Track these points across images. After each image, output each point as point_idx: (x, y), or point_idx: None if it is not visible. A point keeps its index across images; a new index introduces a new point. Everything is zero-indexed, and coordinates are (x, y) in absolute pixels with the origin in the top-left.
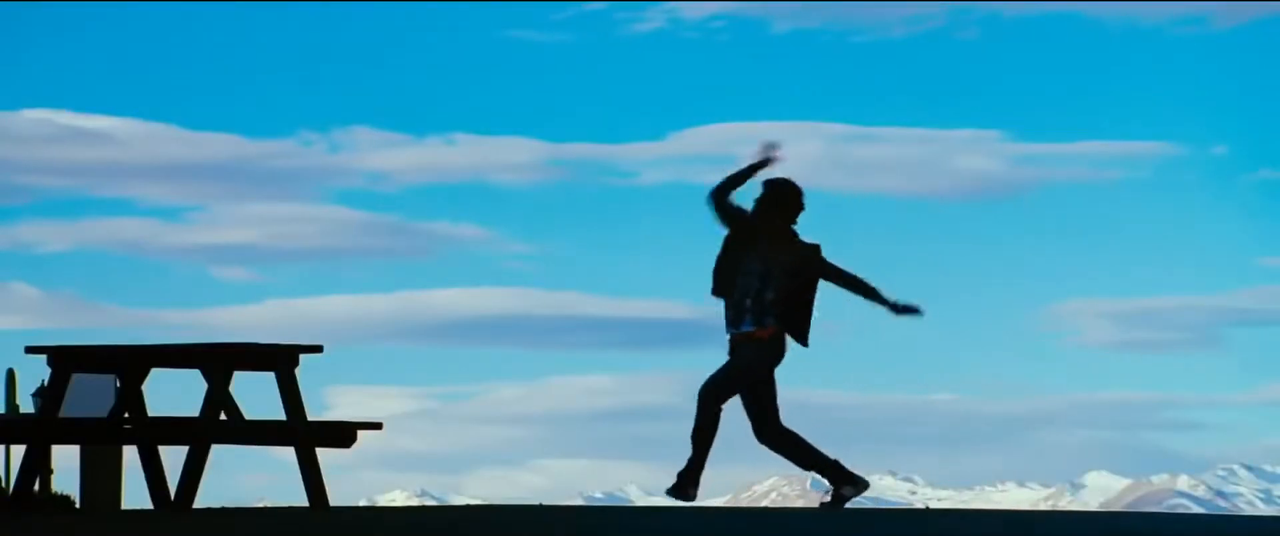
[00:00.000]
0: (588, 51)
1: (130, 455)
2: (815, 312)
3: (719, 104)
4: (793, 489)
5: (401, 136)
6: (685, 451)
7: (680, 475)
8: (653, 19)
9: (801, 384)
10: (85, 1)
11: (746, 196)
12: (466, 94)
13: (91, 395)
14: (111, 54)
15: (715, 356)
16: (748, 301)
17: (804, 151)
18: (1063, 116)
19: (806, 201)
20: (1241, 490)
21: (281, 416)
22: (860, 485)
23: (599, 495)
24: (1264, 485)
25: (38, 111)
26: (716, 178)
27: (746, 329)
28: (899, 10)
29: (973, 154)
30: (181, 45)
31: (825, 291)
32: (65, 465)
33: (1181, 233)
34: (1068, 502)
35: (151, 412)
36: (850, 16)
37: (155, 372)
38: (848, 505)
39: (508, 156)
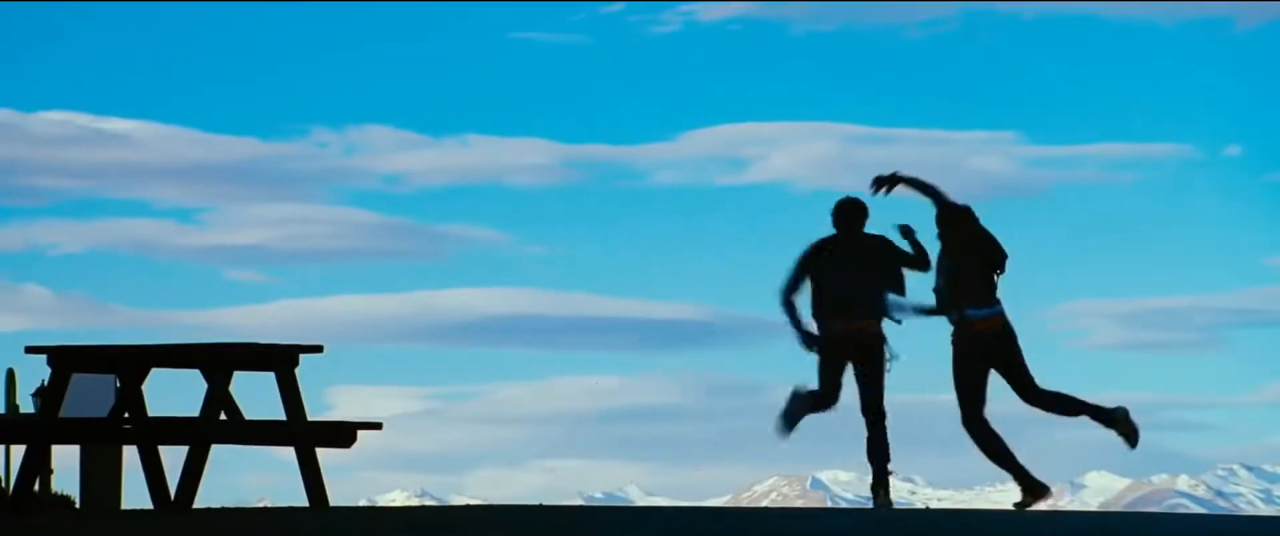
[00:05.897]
0: (603, 53)
1: (130, 455)
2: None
3: (732, 105)
4: (793, 489)
5: (416, 138)
6: (685, 451)
7: None
8: (669, 21)
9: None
10: (103, 2)
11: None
12: (482, 95)
13: (91, 395)
14: (131, 56)
15: (721, 356)
16: None
17: (818, 152)
18: (1078, 118)
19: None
20: (1241, 490)
21: (281, 416)
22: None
23: (599, 495)
24: (1264, 485)
25: (56, 113)
26: (726, 179)
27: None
28: (915, 12)
29: (987, 155)
30: (198, 48)
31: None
32: (65, 465)
33: (1191, 234)
34: (1068, 502)
35: (151, 412)
36: (866, 18)
37: (155, 372)
38: (846, 505)
39: (523, 157)
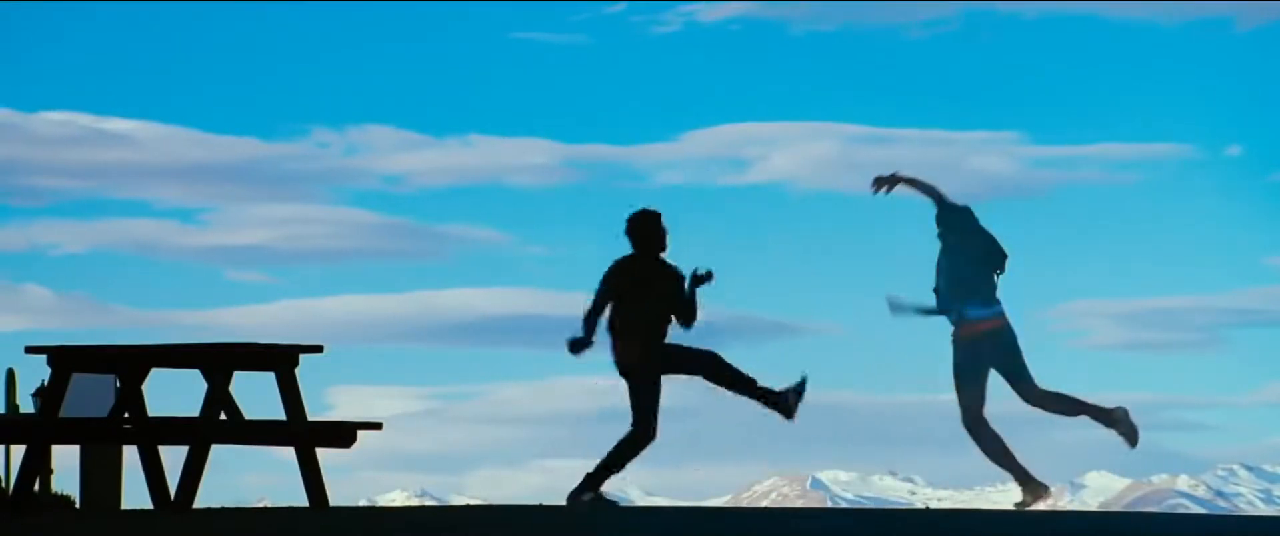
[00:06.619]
0: (605, 53)
1: (130, 455)
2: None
3: (733, 105)
4: (793, 489)
5: (417, 138)
6: (685, 451)
7: None
8: (670, 21)
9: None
10: (104, 2)
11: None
12: (483, 95)
13: (91, 395)
14: (131, 56)
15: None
16: None
17: (818, 152)
18: (1079, 119)
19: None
20: (1241, 490)
21: (281, 416)
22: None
23: None
24: (1264, 485)
25: (57, 113)
26: (727, 179)
27: None
28: (916, 12)
29: (988, 155)
30: (199, 48)
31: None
32: (65, 465)
33: (1192, 234)
34: (1068, 502)
35: (151, 412)
36: (867, 18)
37: (155, 372)
38: (846, 505)
39: (524, 158)
